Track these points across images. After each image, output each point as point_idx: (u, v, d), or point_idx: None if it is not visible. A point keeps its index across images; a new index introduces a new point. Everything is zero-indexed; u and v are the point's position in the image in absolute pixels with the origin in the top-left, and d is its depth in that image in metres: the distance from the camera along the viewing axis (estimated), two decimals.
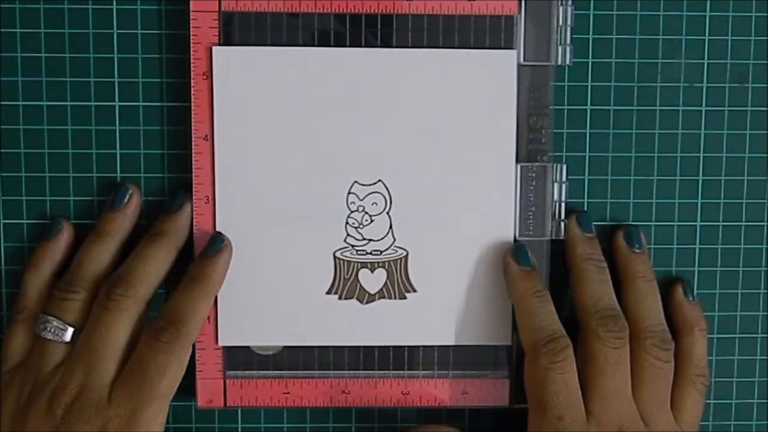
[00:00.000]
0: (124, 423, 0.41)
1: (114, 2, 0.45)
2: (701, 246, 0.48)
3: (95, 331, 0.43)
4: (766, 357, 0.49)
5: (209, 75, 0.45)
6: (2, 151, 0.46)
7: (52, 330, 0.43)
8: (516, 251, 0.45)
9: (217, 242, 0.45)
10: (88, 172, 0.46)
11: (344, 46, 0.45)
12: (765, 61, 0.47)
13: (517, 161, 0.46)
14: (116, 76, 0.46)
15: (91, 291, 0.44)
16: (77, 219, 0.46)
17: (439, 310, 0.46)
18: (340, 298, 0.46)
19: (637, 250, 0.46)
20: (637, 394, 0.44)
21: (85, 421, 0.41)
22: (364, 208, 0.46)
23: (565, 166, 0.46)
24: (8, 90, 0.46)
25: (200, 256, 0.44)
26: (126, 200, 0.45)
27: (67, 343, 0.43)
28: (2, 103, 0.46)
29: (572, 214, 0.47)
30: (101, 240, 0.45)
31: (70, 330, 0.43)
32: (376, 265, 0.46)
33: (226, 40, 0.45)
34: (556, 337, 0.43)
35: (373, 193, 0.46)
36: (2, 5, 0.45)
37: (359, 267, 0.46)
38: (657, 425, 0.44)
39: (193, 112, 0.45)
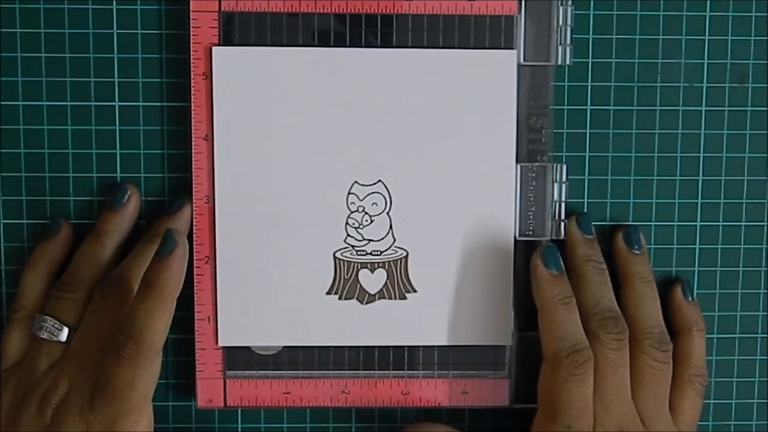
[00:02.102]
0: (105, 429, 0.41)
1: (114, 2, 0.45)
2: (701, 246, 0.48)
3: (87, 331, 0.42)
4: (766, 357, 0.49)
5: (209, 75, 0.45)
6: (2, 151, 0.46)
7: (48, 329, 0.43)
8: (545, 254, 0.44)
9: (168, 242, 0.41)
10: (88, 172, 0.46)
11: (344, 46, 0.45)
12: (765, 61, 0.47)
13: (517, 161, 0.46)
14: (116, 76, 0.46)
15: (88, 291, 0.44)
16: (77, 219, 0.46)
17: (440, 310, 0.46)
18: (340, 298, 0.46)
19: (637, 252, 0.46)
20: (635, 395, 0.44)
21: (71, 423, 0.41)
22: (364, 208, 0.46)
23: (565, 166, 0.46)
24: (8, 90, 0.46)
25: (154, 258, 0.41)
26: (125, 200, 0.45)
27: (62, 342, 0.43)
28: (2, 103, 0.46)
29: (572, 215, 0.47)
30: (99, 240, 0.45)
31: (66, 330, 0.43)
32: (376, 266, 0.46)
33: (226, 40, 0.45)
34: (579, 348, 0.43)
35: (373, 193, 0.46)
36: (2, 5, 0.45)
37: (359, 267, 0.46)
38: (656, 426, 0.44)
39: (193, 112, 0.45)
